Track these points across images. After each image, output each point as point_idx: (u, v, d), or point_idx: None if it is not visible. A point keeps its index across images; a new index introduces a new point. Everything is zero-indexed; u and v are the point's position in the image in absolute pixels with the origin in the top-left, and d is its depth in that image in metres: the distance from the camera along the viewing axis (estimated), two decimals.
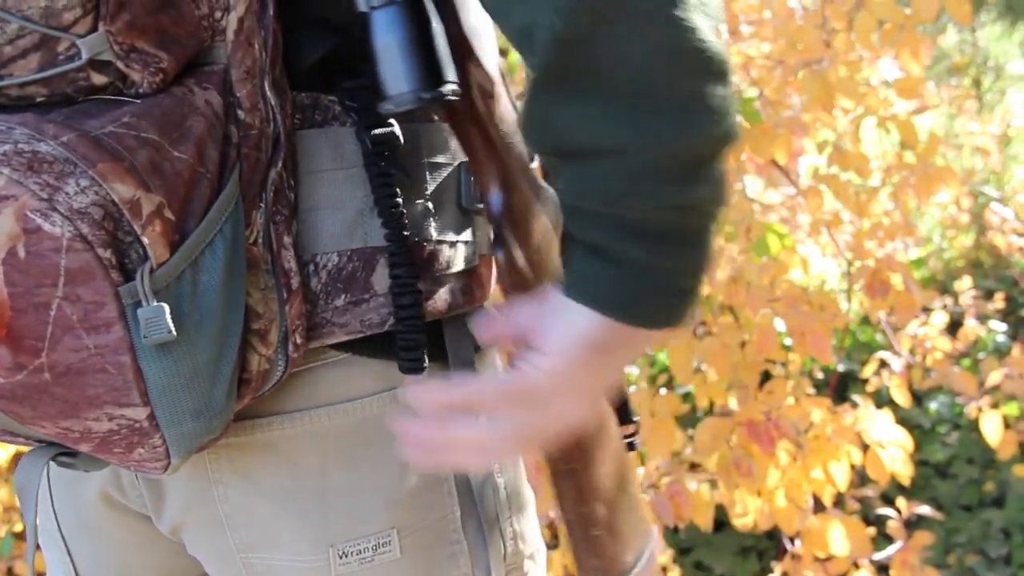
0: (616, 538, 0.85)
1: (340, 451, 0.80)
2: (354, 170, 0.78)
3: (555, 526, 2.30)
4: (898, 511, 2.54)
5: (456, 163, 0.83)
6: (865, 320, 4.07)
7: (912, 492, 3.51)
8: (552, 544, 2.30)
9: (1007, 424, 2.85)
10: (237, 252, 0.70)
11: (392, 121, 0.77)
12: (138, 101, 0.67)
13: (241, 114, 0.70)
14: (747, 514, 2.10)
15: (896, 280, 2.11)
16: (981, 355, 3.83)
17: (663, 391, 2.13)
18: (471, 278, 0.84)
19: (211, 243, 0.68)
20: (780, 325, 2.10)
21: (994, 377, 2.96)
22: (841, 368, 3.81)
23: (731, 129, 0.65)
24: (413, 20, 0.73)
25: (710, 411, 2.19)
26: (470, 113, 0.79)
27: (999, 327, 3.96)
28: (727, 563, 3.53)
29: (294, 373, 0.78)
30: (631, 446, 0.93)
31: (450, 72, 0.75)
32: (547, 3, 0.61)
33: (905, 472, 2.03)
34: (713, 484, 2.10)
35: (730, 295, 1.95)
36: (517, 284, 0.82)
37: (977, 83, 5.29)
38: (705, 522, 2.14)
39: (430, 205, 0.81)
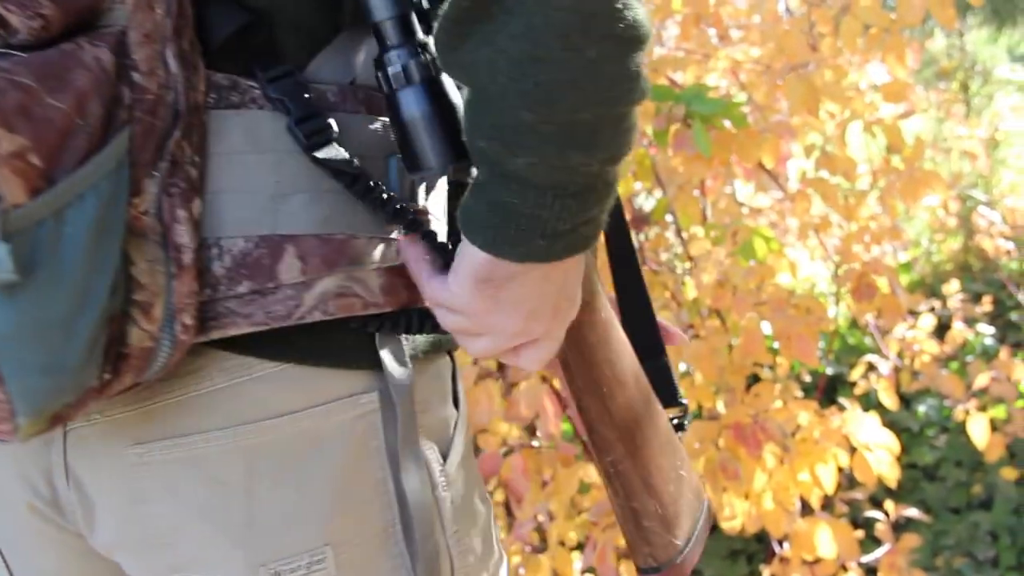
0: (668, 526, 0.89)
1: (268, 468, 0.78)
2: (267, 155, 0.76)
3: (543, 529, 2.31)
4: (886, 514, 2.55)
5: (384, 156, 0.81)
6: (854, 324, 4.08)
7: (900, 495, 3.52)
8: (540, 548, 2.31)
9: (994, 427, 2.86)
10: (114, 214, 0.68)
11: (321, 109, 0.76)
12: (23, 55, 0.65)
13: (136, 77, 0.69)
14: (735, 517, 2.10)
15: (882, 283, 2.12)
16: (969, 358, 3.84)
17: None
18: (395, 277, 0.82)
19: (81, 197, 0.66)
20: (767, 329, 2.11)
21: (981, 380, 2.98)
22: (830, 371, 3.82)
23: (631, 95, 0.66)
24: (434, 97, 0.75)
25: (699, 414, 2.19)
26: None
27: (987, 330, 3.97)
28: (716, 566, 3.53)
29: (219, 389, 0.77)
30: (680, 427, 0.96)
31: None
32: None
33: (892, 474, 2.03)
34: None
35: (716, 299, 1.95)
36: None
37: (965, 87, 5.30)
38: None
39: (347, 196, 0.79)
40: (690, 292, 2.08)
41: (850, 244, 2.54)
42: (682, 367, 2.06)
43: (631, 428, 0.87)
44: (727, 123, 1.89)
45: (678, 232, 2.30)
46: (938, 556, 3.54)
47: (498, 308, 0.73)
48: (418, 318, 0.84)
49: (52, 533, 0.87)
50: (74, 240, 0.66)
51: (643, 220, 2.76)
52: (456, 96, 0.77)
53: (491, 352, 0.78)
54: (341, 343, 0.80)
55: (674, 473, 0.90)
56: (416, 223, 0.79)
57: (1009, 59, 5.63)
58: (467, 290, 0.73)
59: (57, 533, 0.87)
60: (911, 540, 2.41)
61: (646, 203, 3.30)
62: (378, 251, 0.80)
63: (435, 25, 0.67)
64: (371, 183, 0.78)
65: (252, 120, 0.76)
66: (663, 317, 2.14)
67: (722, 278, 1.94)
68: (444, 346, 0.89)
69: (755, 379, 2.37)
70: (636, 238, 2.57)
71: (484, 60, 0.65)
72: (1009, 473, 3.55)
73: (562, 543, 2.24)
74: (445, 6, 0.66)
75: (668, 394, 0.96)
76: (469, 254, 0.72)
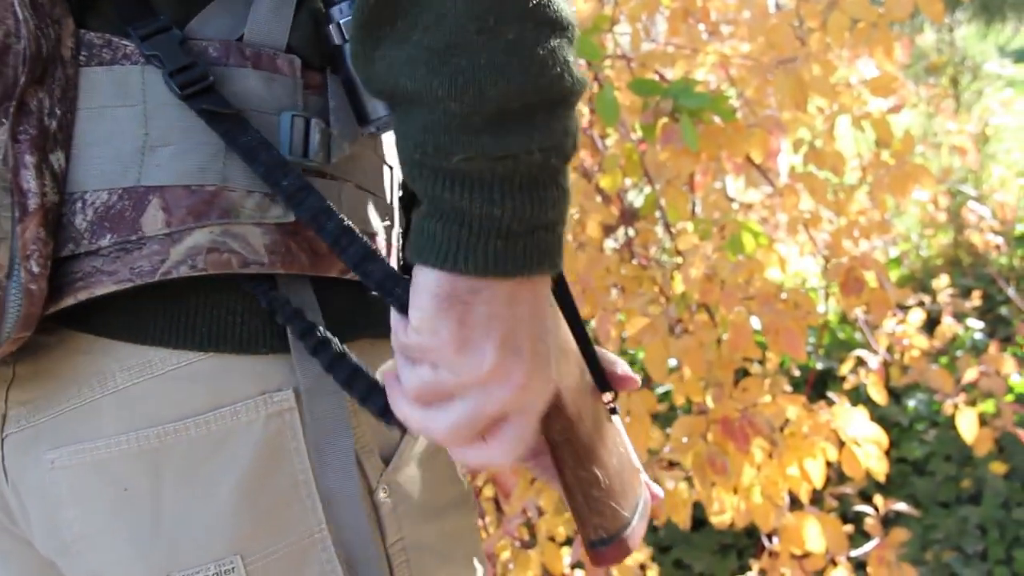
0: (613, 496, 0.90)
1: (173, 473, 0.76)
2: (136, 107, 0.75)
3: (532, 524, 2.31)
4: (875, 508, 2.55)
5: (275, 112, 0.79)
6: (843, 318, 4.09)
7: (889, 489, 3.53)
8: (529, 543, 2.31)
9: (983, 421, 2.86)
10: None
11: (195, 61, 0.75)
12: None
13: None
14: (724, 512, 2.10)
15: (871, 278, 2.12)
16: (958, 353, 3.85)
17: (639, 389, 2.13)
18: (287, 236, 0.78)
19: None
20: (756, 323, 2.11)
21: (971, 374, 2.98)
22: (819, 366, 3.83)
23: (560, 81, 0.65)
24: None
25: (687, 409, 2.20)
26: None
27: (976, 325, 3.98)
28: (706, 561, 3.54)
29: (121, 390, 0.76)
30: (613, 411, 0.96)
31: None
32: None
33: (880, 469, 2.04)
34: (691, 482, 2.11)
35: (705, 293, 1.95)
36: None
37: (954, 82, 5.31)
38: (683, 520, 2.14)
39: (225, 148, 0.76)
40: (678, 287, 2.08)
41: (839, 239, 2.54)
42: (671, 362, 2.06)
43: (576, 396, 0.86)
44: (716, 118, 1.89)
45: (667, 227, 2.30)
46: (927, 550, 3.55)
47: (467, 337, 0.67)
48: (339, 291, 0.80)
49: (7, 541, 0.87)
50: None
51: (631, 215, 2.76)
52: None
53: (465, 422, 0.70)
54: (247, 326, 0.78)
55: (615, 448, 0.92)
56: (294, 174, 0.75)
57: (999, 54, 5.64)
58: (430, 314, 0.67)
59: (11, 541, 0.86)
60: (900, 534, 2.41)
61: (636, 199, 3.30)
62: (259, 204, 0.77)
63: (348, 44, 0.66)
64: (246, 130, 0.76)
65: (122, 74, 0.75)
66: (651, 312, 2.15)
67: (710, 273, 1.94)
68: None
69: (744, 374, 2.37)
70: (624, 233, 2.57)
71: (402, 60, 0.64)
72: (998, 467, 3.57)
73: (551, 538, 2.24)
74: (353, 16, 0.65)
75: (598, 380, 0.93)
76: (424, 277, 0.68)
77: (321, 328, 0.77)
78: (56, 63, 0.73)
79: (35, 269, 0.70)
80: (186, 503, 0.76)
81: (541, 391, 0.72)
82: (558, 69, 0.64)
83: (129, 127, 0.75)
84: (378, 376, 0.78)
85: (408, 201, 0.94)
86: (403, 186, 0.94)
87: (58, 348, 0.77)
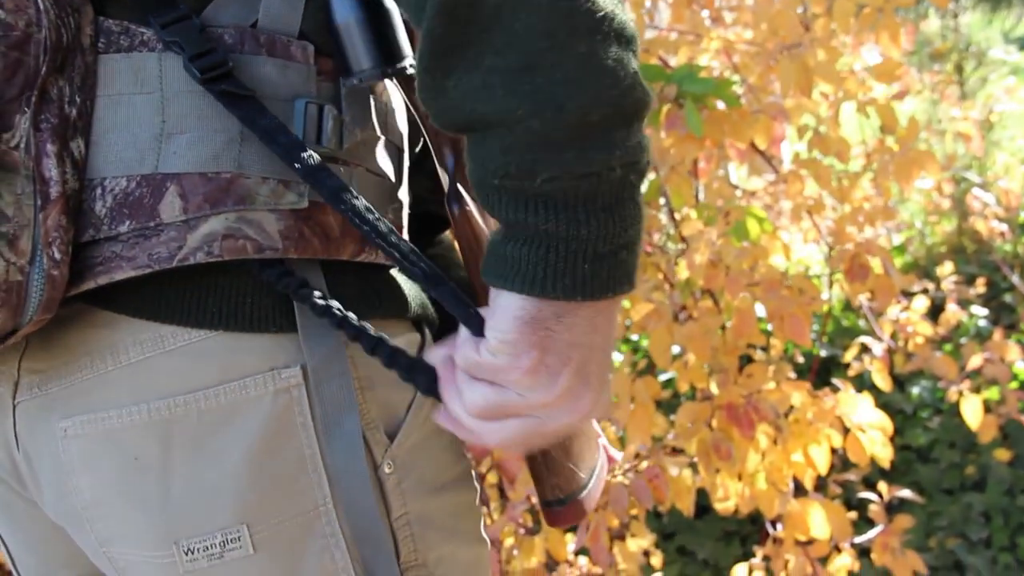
0: (570, 457, 0.90)
1: (183, 443, 0.78)
2: (153, 95, 0.76)
3: (537, 510, 2.31)
4: (879, 495, 2.55)
5: (289, 99, 0.80)
6: (848, 305, 4.08)
7: (894, 476, 3.53)
8: (533, 529, 2.31)
9: (988, 408, 2.86)
10: None
11: (217, 48, 0.76)
12: None
13: (2, 14, 0.70)
14: (728, 498, 2.10)
15: (875, 264, 2.12)
16: (963, 340, 3.84)
17: (643, 376, 2.13)
18: (300, 222, 0.79)
19: None
20: (761, 310, 2.10)
21: (975, 361, 2.98)
22: (823, 353, 3.82)
23: (632, 93, 0.65)
24: (369, 2, 0.76)
25: (692, 396, 2.19)
26: None
27: (980, 312, 3.98)
28: (710, 548, 3.54)
29: (133, 364, 0.77)
30: None
31: (407, 47, 0.77)
32: None
33: (885, 455, 2.03)
34: (694, 468, 2.11)
35: (709, 279, 1.95)
36: (472, 237, 0.84)
37: (959, 69, 5.30)
38: (687, 507, 2.14)
39: (240, 135, 0.78)
40: (683, 273, 2.08)
41: (843, 225, 2.54)
42: (675, 349, 2.06)
43: None
44: (720, 104, 1.89)
45: (671, 213, 2.29)
46: (931, 537, 3.55)
47: (545, 364, 0.69)
48: (347, 275, 0.82)
49: (17, 503, 0.89)
50: None
51: None
52: (390, 2, 0.78)
53: (522, 437, 0.74)
54: (257, 306, 0.79)
55: None
56: (311, 160, 0.77)
57: (1003, 41, 5.62)
58: (512, 338, 0.69)
59: (23, 503, 0.89)
60: (904, 521, 2.41)
61: None
62: (274, 191, 0.78)
63: (416, 78, 0.66)
64: (265, 113, 0.77)
65: (140, 61, 0.77)
66: (656, 299, 2.15)
67: (715, 259, 1.94)
68: (407, 314, 0.87)
69: (747, 360, 2.37)
70: None
71: (477, 86, 0.64)
72: (1002, 454, 3.56)
73: None
74: (419, 49, 0.65)
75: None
76: (508, 301, 0.69)
77: (338, 307, 0.79)
78: (76, 51, 0.74)
79: (57, 256, 0.72)
80: (194, 473, 0.78)
81: (599, 413, 0.75)
82: (629, 80, 0.64)
83: (146, 114, 0.76)
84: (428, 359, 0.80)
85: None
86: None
87: (72, 321, 0.79)
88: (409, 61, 0.78)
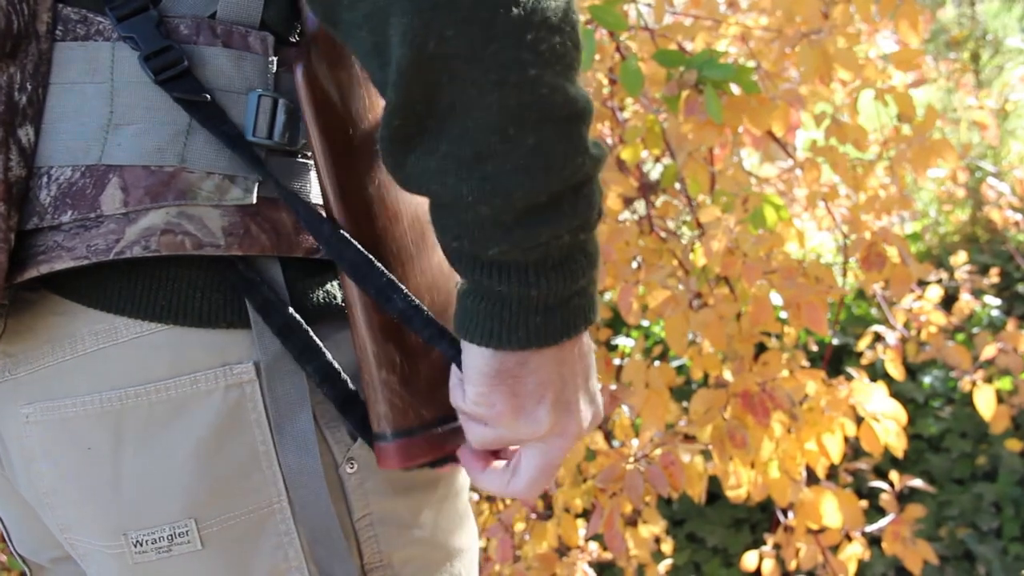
0: (408, 385, 0.80)
1: (134, 435, 0.78)
2: (103, 84, 0.76)
3: (549, 495, 2.31)
4: (891, 484, 2.54)
5: (243, 91, 0.79)
6: (860, 294, 4.07)
7: (905, 465, 3.52)
8: (545, 514, 2.31)
9: (1000, 398, 2.85)
10: None
11: (172, 44, 0.76)
12: None
13: None
14: (740, 486, 2.10)
15: (892, 253, 2.11)
16: (975, 329, 3.84)
17: (658, 363, 2.13)
18: (248, 218, 0.79)
19: None
20: (776, 298, 2.10)
21: (988, 351, 2.97)
22: (836, 341, 3.82)
23: (582, 167, 0.67)
24: None
25: (705, 383, 2.19)
26: None
27: (993, 302, 3.96)
28: (720, 535, 3.54)
29: (88, 354, 0.78)
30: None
31: None
32: (400, 46, 0.63)
33: (898, 445, 2.03)
34: (707, 456, 2.11)
35: (726, 266, 1.94)
36: (321, 100, 0.78)
37: (975, 57, 5.26)
38: (698, 494, 2.14)
39: (187, 128, 0.77)
40: (699, 260, 2.07)
41: (858, 214, 2.52)
42: (690, 335, 2.05)
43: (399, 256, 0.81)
44: (737, 90, 1.87)
45: (687, 200, 2.29)
46: (942, 527, 3.55)
47: (521, 406, 0.73)
48: (300, 271, 0.81)
49: (3, 479, 0.89)
50: None
51: (651, 187, 2.74)
52: None
53: (538, 474, 0.77)
54: (208, 300, 0.79)
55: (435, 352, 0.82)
56: (256, 160, 0.77)
57: (1020, 29, 5.58)
58: (485, 390, 0.73)
59: (4, 480, 0.89)
60: (915, 511, 2.40)
61: (653, 171, 3.29)
62: (218, 186, 0.78)
63: (378, 148, 0.68)
64: (220, 114, 0.77)
65: (94, 51, 0.76)
66: (671, 285, 2.14)
67: (732, 246, 1.93)
68: None
69: (761, 348, 2.36)
70: (645, 205, 2.56)
71: (432, 169, 0.66)
72: (1014, 444, 3.55)
73: (567, 510, 2.24)
74: (381, 126, 0.67)
75: None
76: (473, 355, 0.73)
77: (289, 310, 0.79)
78: (30, 38, 0.74)
79: None
80: (144, 465, 0.79)
81: (593, 426, 0.79)
82: (580, 158, 0.67)
83: (95, 104, 0.76)
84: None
85: None
86: None
87: (38, 306, 0.80)
88: None
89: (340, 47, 0.79)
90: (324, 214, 0.79)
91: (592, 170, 0.69)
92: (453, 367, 0.78)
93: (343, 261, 0.77)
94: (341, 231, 0.77)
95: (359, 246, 0.77)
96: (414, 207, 0.83)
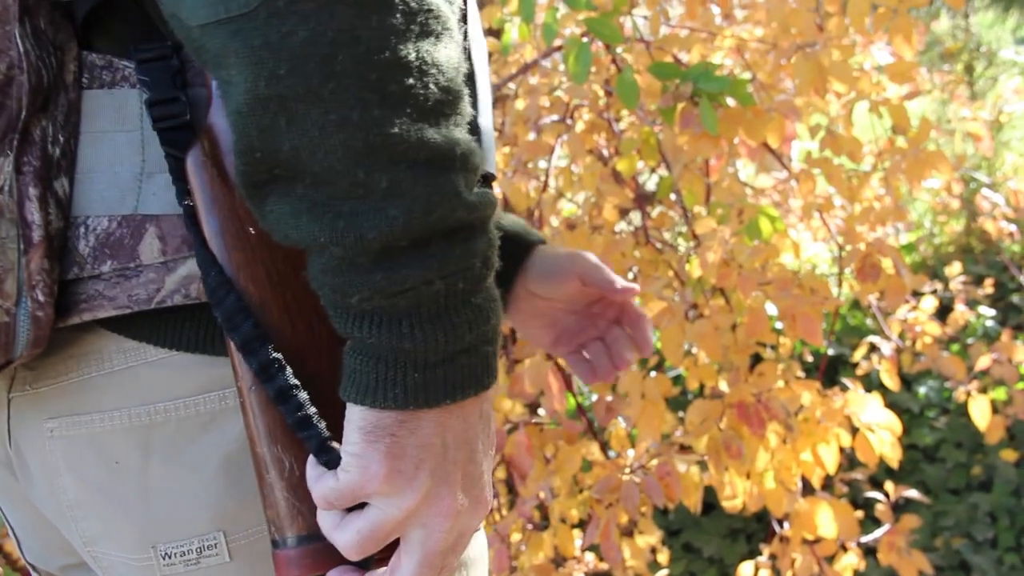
0: (297, 494, 0.74)
1: (163, 450, 0.79)
2: (134, 133, 0.77)
3: (545, 506, 2.31)
4: (886, 494, 2.55)
5: None
6: (856, 305, 4.08)
7: (900, 476, 3.53)
8: (542, 525, 2.31)
9: (995, 409, 2.86)
10: None
11: (181, 97, 0.75)
12: None
13: None
14: (736, 496, 2.11)
15: (887, 264, 2.12)
16: (970, 340, 3.85)
17: (653, 373, 2.14)
18: None
19: None
20: (772, 309, 2.11)
21: (983, 362, 2.98)
22: (831, 352, 3.83)
23: (451, 212, 0.64)
24: None
25: (701, 394, 2.20)
26: None
27: (988, 312, 3.98)
28: (716, 545, 3.55)
29: (117, 371, 0.78)
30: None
31: None
32: (235, 88, 0.62)
33: (894, 455, 2.03)
34: (702, 466, 2.11)
35: (721, 278, 1.95)
36: (220, 184, 0.74)
37: (969, 69, 5.29)
38: (694, 504, 2.14)
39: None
40: (695, 271, 2.08)
41: (853, 225, 2.53)
42: (686, 346, 2.06)
43: (309, 349, 0.75)
44: (732, 102, 1.88)
45: (683, 211, 2.30)
46: (937, 537, 3.55)
47: (398, 470, 0.67)
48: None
49: (16, 489, 0.90)
50: None
51: (647, 199, 2.75)
52: None
53: (425, 561, 0.69)
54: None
55: None
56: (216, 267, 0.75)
57: (1014, 41, 5.61)
58: (360, 449, 0.67)
59: (19, 489, 0.90)
60: (911, 521, 2.41)
61: (649, 182, 3.30)
62: None
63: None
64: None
65: (121, 98, 0.77)
66: (667, 296, 2.15)
67: (727, 257, 1.94)
68: None
69: (757, 359, 2.37)
70: (641, 217, 2.56)
71: (287, 212, 0.64)
72: (1009, 455, 3.57)
73: (564, 520, 2.25)
74: (236, 176, 0.65)
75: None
76: (351, 412, 0.68)
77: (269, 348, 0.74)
78: (59, 89, 0.74)
79: (41, 298, 0.73)
80: (173, 479, 0.79)
81: (477, 513, 0.72)
82: (447, 203, 0.63)
83: (127, 153, 0.77)
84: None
85: None
86: None
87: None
88: None
89: None
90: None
91: (471, 218, 0.65)
92: (311, 459, 0.72)
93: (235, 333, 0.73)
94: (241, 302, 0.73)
95: (254, 321, 0.73)
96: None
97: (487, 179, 0.87)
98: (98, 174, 0.76)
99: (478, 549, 0.93)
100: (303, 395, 0.72)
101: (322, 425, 0.72)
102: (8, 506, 0.94)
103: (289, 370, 0.72)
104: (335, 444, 0.71)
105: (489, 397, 0.72)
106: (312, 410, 0.72)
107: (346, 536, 0.70)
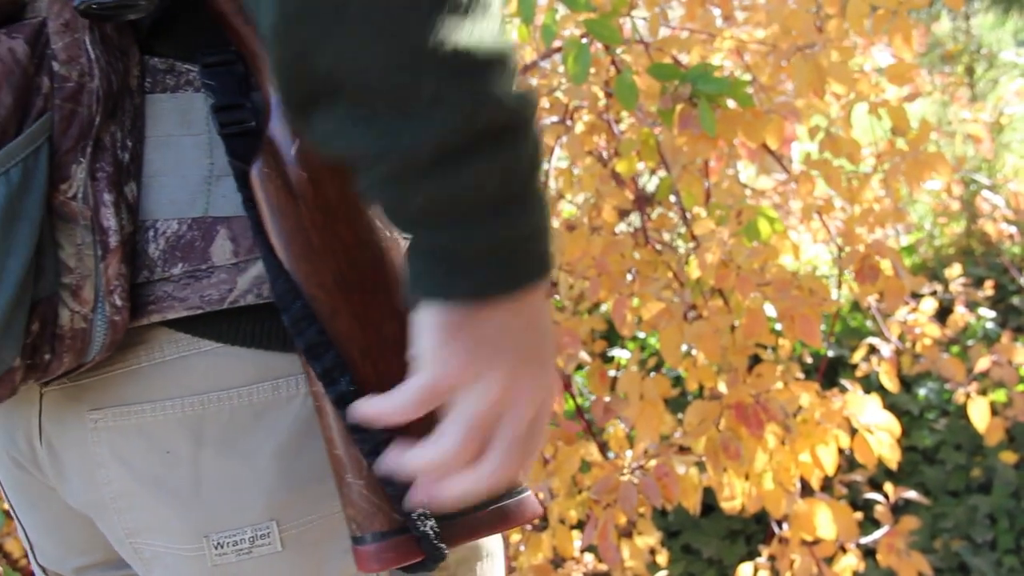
0: (376, 490, 0.77)
1: (215, 439, 0.79)
2: (201, 137, 0.77)
3: (544, 507, 2.31)
4: (885, 496, 2.55)
5: None
6: (855, 306, 4.08)
7: (899, 477, 3.53)
8: (541, 525, 2.31)
9: (994, 411, 2.86)
10: (28, 199, 0.69)
11: (247, 103, 0.76)
12: None
13: (56, 66, 0.70)
14: (735, 497, 2.11)
15: (886, 266, 2.12)
16: (970, 342, 3.84)
17: (652, 374, 2.14)
18: None
19: None
20: (771, 310, 2.11)
21: (982, 364, 2.97)
22: (831, 353, 3.83)
23: (496, 114, 0.64)
24: None
25: (700, 395, 2.20)
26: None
27: (988, 314, 3.98)
28: (715, 546, 3.55)
29: (168, 361, 0.79)
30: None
31: None
32: (266, 9, 0.61)
33: (892, 457, 2.04)
34: (701, 467, 2.11)
35: (720, 279, 1.95)
36: (284, 196, 0.76)
37: (970, 71, 5.29)
38: (693, 505, 2.14)
39: None
40: (694, 272, 2.08)
41: (853, 227, 2.54)
42: (685, 347, 2.06)
43: (377, 353, 0.77)
44: (731, 103, 1.89)
45: (682, 212, 2.30)
46: (936, 539, 3.55)
47: (473, 361, 0.68)
48: None
49: (37, 488, 0.90)
50: None
51: (646, 200, 2.75)
52: None
53: (508, 456, 0.70)
54: (285, 328, 0.79)
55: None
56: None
57: (1015, 43, 5.61)
58: (435, 347, 0.68)
59: (40, 488, 0.90)
60: (910, 522, 2.41)
61: (648, 184, 3.30)
62: None
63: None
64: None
65: (186, 102, 0.77)
66: (666, 297, 2.15)
67: (726, 258, 1.94)
68: None
69: (755, 360, 2.37)
70: (640, 218, 2.57)
71: (333, 129, 0.64)
72: (1008, 457, 3.57)
73: (562, 521, 2.25)
74: (278, 87, 0.65)
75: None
76: (424, 316, 0.68)
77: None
78: (125, 94, 0.75)
79: (118, 303, 0.74)
80: (225, 468, 0.79)
81: (552, 394, 0.73)
82: (489, 107, 0.63)
83: (194, 156, 0.77)
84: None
85: None
86: None
87: None
88: None
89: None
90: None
91: (513, 119, 0.65)
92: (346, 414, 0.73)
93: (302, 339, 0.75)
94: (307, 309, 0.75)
95: (320, 327, 0.75)
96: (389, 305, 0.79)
97: None
98: (165, 178, 0.77)
99: (495, 543, 0.94)
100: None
101: (379, 428, 0.73)
102: (24, 506, 0.94)
103: (349, 376, 0.74)
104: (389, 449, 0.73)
105: (546, 283, 0.73)
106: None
107: (444, 442, 0.69)
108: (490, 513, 0.80)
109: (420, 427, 0.71)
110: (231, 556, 0.80)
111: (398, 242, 0.80)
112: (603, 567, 2.43)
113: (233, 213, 0.77)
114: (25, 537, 0.96)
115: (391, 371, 0.75)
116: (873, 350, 3.10)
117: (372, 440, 0.74)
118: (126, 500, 0.82)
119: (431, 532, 0.76)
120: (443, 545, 0.77)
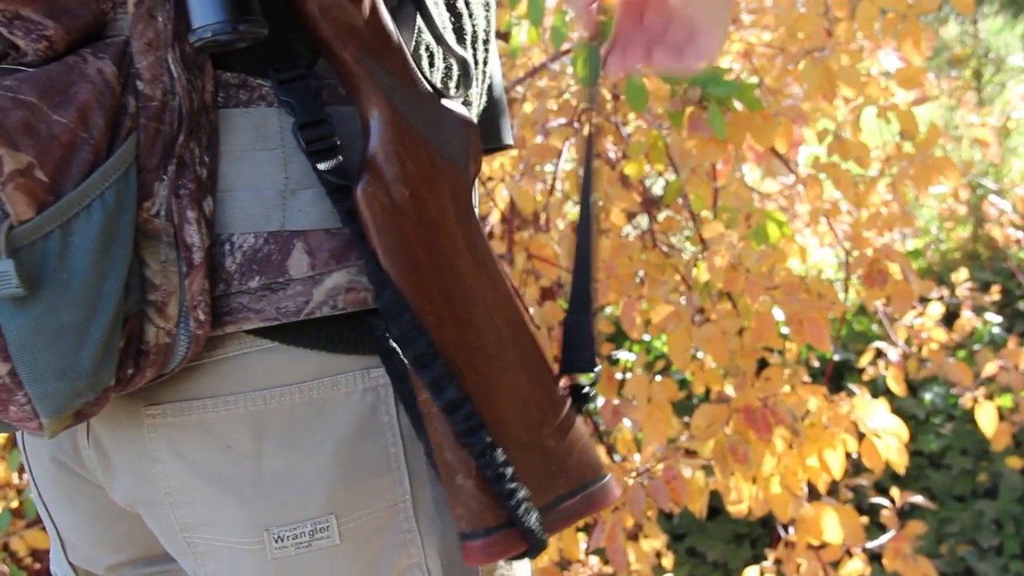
0: (482, 486, 0.80)
1: (276, 435, 0.80)
2: (275, 151, 0.78)
3: None
4: (892, 500, 2.55)
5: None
6: (862, 310, 4.08)
7: (906, 482, 3.53)
8: None
9: (1001, 416, 2.85)
10: (121, 220, 0.70)
11: (325, 118, 0.77)
12: (30, 71, 0.67)
13: (141, 85, 0.70)
14: (741, 501, 2.10)
15: (894, 270, 2.11)
16: (977, 347, 3.84)
17: (659, 377, 2.14)
18: None
19: (88, 208, 0.68)
20: (779, 314, 2.11)
21: (989, 368, 2.97)
22: (837, 357, 3.82)
23: None
24: None
25: (707, 398, 2.20)
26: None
27: (995, 319, 3.97)
28: (720, 550, 3.54)
29: (230, 358, 0.79)
30: (583, 396, 0.89)
31: (257, 8, 0.73)
32: None
33: (900, 461, 2.03)
34: (708, 470, 2.11)
35: (728, 282, 1.95)
36: (389, 214, 0.78)
37: (977, 75, 5.29)
38: (699, 508, 2.14)
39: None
40: (702, 275, 2.08)
41: (860, 230, 2.53)
42: (692, 350, 2.06)
43: (490, 367, 0.82)
44: (740, 106, 1.89)
45: (691, 215, 2.30)
46: (943, 543, 3.55)
47: None
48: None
49: (77, 486, 0.91)
50: (82, 249, 0.68)
51: (654, 203, 2.75)
52: None
53: None
54: (355, 332, 0.81)
55: (529, 438, 0.83)
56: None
57: (1023, 47, 5.60)
58: None
59: (81, 485, 0.90)
60: (916, 527, 2.41)
61: (655, 186, 3.30)
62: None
63: None
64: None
65: (260, 117, 0.78)
66: (673, 300, 2.15)
67: (734, 261, 1.94)
68: None
69: (763, 364, 2.37)
70: (648, 221, 2.57)
71: None
72: (1015, 462, 3.56)
73: None
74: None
75: (580, 357, 0.90)
76: None
77: (425, 341, 0.80)
78: (203, 111, 0.75)
79: (202, 317, 0.75)
80: (286, 463, 0.81)
81: None
82: None
83: (269, 171, 0.78)
84: None
85: None
86: None
87: None
88: (262, 22, 0.73)
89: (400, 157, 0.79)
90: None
91: None
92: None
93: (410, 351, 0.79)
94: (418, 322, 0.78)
95: (429, 339, 0.79)
96: (493, 312, 0.83)
97: (505, 147, 0.95)
98: (240, 192, 0.77)
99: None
100: (470, 407, 0.78)
101: (485, 431, 0.78)
102: (62, 504, 0.95)
103: (456, 382, 0.78)
104: (496, 453, 0.79)
105: None
106: (477, 420, 0.79)
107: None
108: (580, 500, 0.86)
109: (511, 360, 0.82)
110: (290, 549, 0.81)
111: (492, 251, 0.84)
112: (608, 570, 2.43)
113: (309, 227, 0.78)
114: (56, 536, 0.97)
115: (493, 377, 0.81)
116: (880, 354, 3.10)
117: (480, 443, 0.78)
118: (183, 495, 0.83)
119: (535, 524, 0.81)
120: (546, 535, 0.82)
